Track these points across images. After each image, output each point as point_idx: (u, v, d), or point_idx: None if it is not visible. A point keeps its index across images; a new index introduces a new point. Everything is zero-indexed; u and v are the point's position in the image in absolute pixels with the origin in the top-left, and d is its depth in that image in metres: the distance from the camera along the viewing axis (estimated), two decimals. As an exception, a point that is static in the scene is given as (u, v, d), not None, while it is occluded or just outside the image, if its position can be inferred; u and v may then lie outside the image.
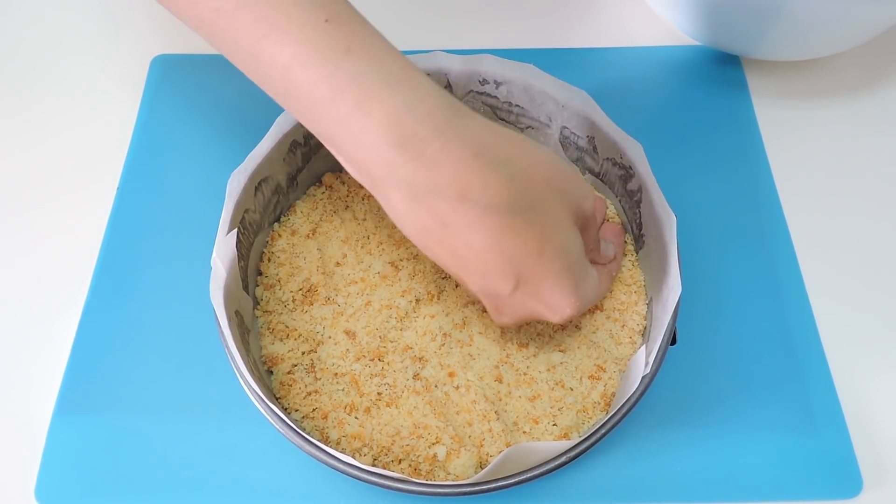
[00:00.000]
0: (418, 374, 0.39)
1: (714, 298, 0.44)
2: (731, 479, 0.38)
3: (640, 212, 0.42)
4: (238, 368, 0.35)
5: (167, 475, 0.39)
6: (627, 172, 0.42)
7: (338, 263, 0.42)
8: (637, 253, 0.43)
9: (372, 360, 0.39)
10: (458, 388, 0.39)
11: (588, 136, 0.43)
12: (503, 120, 0.46)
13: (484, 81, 0.44)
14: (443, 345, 0.40)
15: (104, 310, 0.44)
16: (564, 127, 0.44)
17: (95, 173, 0.49)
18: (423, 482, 0.34)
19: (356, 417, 0.38)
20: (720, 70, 0.54)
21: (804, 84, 0.54)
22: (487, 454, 0.37)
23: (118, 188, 0.48)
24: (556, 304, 0.35)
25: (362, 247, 0.43)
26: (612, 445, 0.39)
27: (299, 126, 0.41)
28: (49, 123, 0.52)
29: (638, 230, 0.42)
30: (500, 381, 0.39)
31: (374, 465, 0.37)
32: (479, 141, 0.32)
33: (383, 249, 0.43)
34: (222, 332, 0.36)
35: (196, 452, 0.39)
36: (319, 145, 0.42)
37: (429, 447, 0.37)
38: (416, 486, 0.34)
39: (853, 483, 0.38)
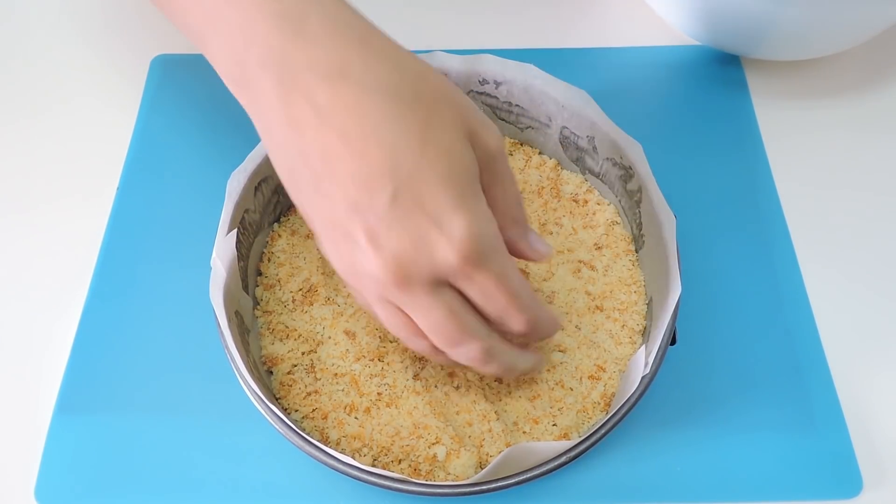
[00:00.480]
0: (418, 375, 0.39)
1: (714, 298, 0.44)
2: (731, 479, 0.38)
3: (639, 211, 0.42)
4: (238, 369, 0.36)
5: (167, 475, 0.39)
6: (627, 172, 0.42)
7: None
8: (637, 253, 0.43)
9: (372, 360, 0.39)
10: (457, 388, 0.39)
11: (588, 136, 0.43)
12: (503, 120, 0.46)
13: (483, 81, 0.44)
14: None
15: (104, 310, 0.44)
16: (564, 127, 0.44)
17: (95, 173, 0.49)
18: (423, 482, 0.34)
19: (356, 417, 0.38)
20: (720, 70, 0.54)
21: (804, 84, 0.54)
22: (487, 454, 0.37)
23: (118, 188, 0.48)
24: (443, 216, 0.29)
25: None
26: (612, 445, 0.39)
27: None
28: (49, 124, 0.52)
29: (638, 230, 0.43)
30: (500, 381, 0.39)
31: (373, 466, 0.37)
32: (365, 31, 0.30)
33: None
34: (222, 333, 0.36)
35: (196, 453, 0.39)
36: None
37: (428, 447, 0.37)
38: (416, 487, 0.34)
39: (853, 483, 0.38)
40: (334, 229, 0.30)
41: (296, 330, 0.40)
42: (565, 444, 0.34)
